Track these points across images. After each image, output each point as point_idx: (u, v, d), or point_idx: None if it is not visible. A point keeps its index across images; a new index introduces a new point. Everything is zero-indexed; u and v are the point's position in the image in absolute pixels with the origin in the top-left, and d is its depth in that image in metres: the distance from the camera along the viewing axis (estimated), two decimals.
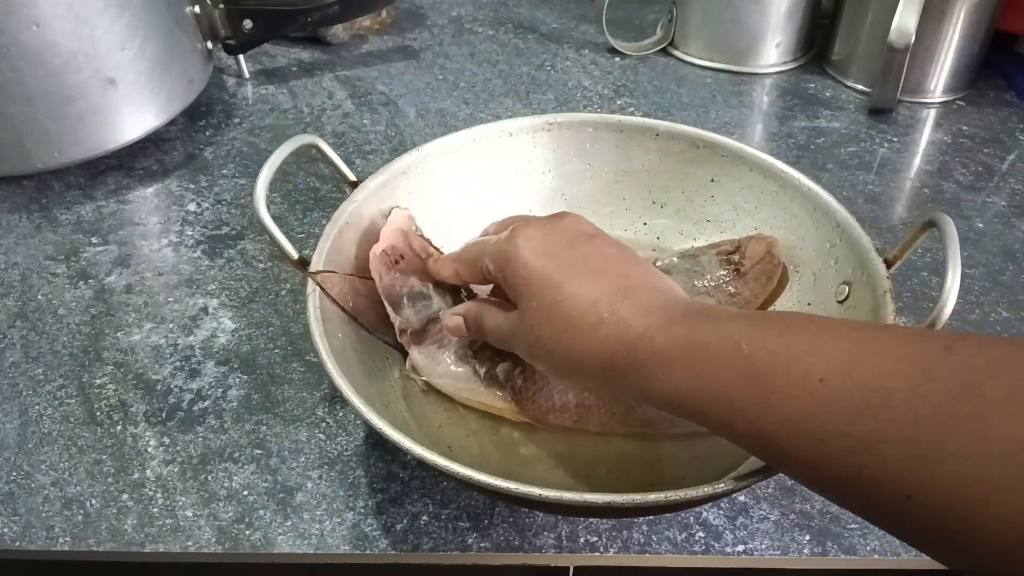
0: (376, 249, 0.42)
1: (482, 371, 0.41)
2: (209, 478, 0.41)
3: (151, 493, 0.40)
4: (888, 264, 0.38)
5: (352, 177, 0.45)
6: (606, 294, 0.31)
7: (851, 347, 0.25)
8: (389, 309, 0.42)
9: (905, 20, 0.63)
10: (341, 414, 0.44)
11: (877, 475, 0.23)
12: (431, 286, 0.43)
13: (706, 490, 0.30)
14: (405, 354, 0.43)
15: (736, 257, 0.45)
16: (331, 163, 0.45)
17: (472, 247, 0.39)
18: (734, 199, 0.48)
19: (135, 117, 0.60)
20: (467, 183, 0.49)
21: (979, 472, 0.21)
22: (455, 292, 0.44)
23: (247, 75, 0.75)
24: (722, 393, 0.27)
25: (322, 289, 0.39)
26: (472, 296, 0.44)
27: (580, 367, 0.32)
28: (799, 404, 0.25)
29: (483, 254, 0.37)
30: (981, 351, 0.23)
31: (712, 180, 0.49)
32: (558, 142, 0.50)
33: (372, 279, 0.42)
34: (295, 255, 0.40)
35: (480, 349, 0.42)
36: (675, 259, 0.46)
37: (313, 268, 0.40)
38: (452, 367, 0.42)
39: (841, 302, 0.40)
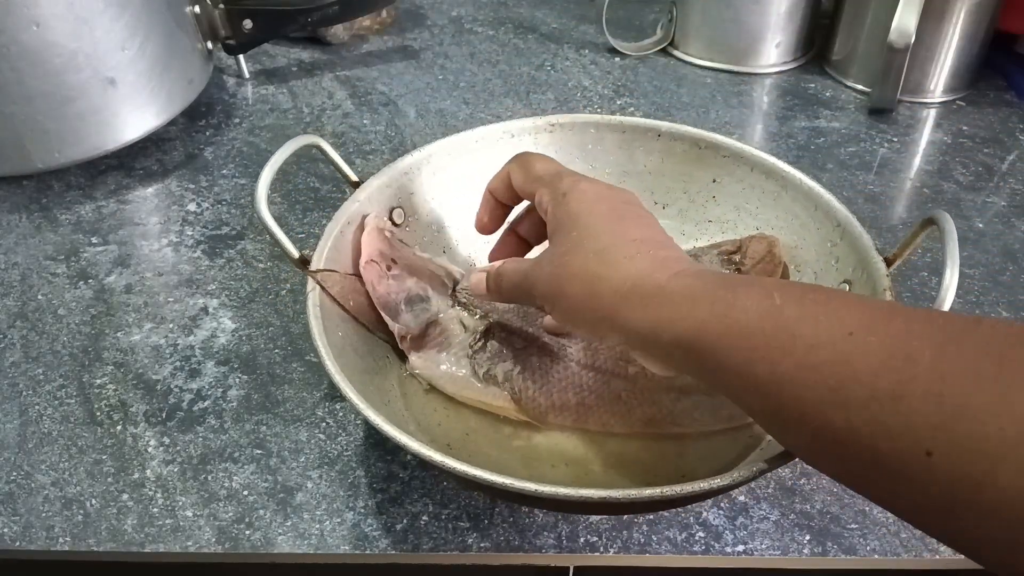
0: (362, 261, 0.42)
1: (481, 372, 0.41)
2: (209, 478, 0.41)
3: (151, 493, 0.40)
4: (888, 263, 0.39)
5: (354, 177, 0.45)
6: (649, 240, 0.33)
7: (880, 310, 0.26)
8: (387, 318, 0.42)
9: (905, 20, 0.63)
10: (341, 414, 0.44)
11: (897, 427, 0.23)
12: (429, 288, 0.43)
13: (702, 486, 0.30)
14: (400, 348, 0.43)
15: (737, 257, 0.45)
16: (333, 163, 0.45)
17: (540, 162, 0.38)
18: (736, 200, 0.48)
19: (135, 117, 0.60)
20: (469, 184, 0.49)
21: (1002, 431, 0.21)
22: (455, 291, 0.44)
23: (247, 75, 0.75)
24: (748, 334, 0.27)
25: (322, 288, 0.39)
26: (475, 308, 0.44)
27: (598, 292, 0.32)
28: (824, 353, 0.25)
29: (541, 181, 0.37)
30: (1007, 325, 0.23)
31: (714, 181, 0.49)
32: (560, 143, 0.50)
33: None
34: (296, 254, 0.40)
35: (479, 350, 0.42)
36: None
37: (314, 267, 0.40)
38: (452, 368, 0.42)
39: None
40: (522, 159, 0.39)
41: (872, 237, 0.40)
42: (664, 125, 0.49)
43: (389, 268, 0.42)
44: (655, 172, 0.50)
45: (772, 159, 0.46)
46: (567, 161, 0.50)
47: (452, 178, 0.48)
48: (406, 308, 0.42)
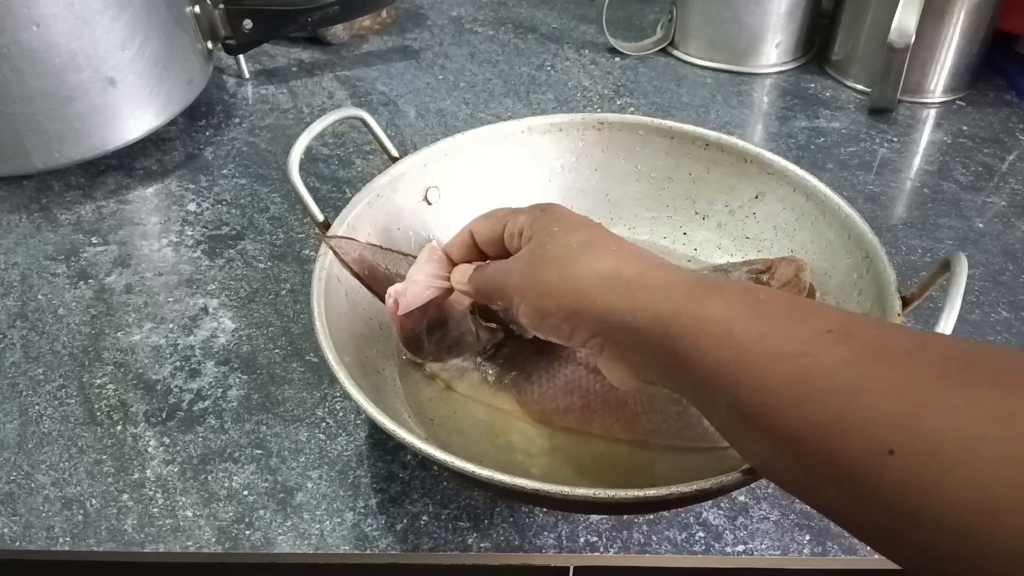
0: (390, 300, 0.40)
1: (492, 378, 0.42)
2: (209, 478, 0.41)
3: (151, 493, 0.40)
4: (905, 303, 0.38)
5: (394, 153, 0.47)
6: (629, 242, 0.34)
7: (859, 319, 0.27)
8: (411, 356, 0.42)
9: (905, 20, 0.63)
10: (341, 414, 0.44)
11: (854, 423, 0.23)
12: (448, 310, 0.43)
13: (690, 487, 0.30)
14: None
15: (765, 277, 0.45)
16: (375, 137, 0.46)
17: (500, 209, 0.38)
18: (776, 219, 0.48)
19: (135, 117, 0.60)
20: (510, 171, 0.49)
21: (963, 431, 0.21)
22: (474, 312, 0.43)
23: (247, 75, 0.75)
24: (724, 319, 0.27)
25: (335, 254, 0.39)
26: (491, 321, 0.43)
27: (580, 275, 0.32)
28: (795, 345, 0.25)
29: (509, 215, 0.37)
30: (979, 342, 0.24)
31: (756, 197, 0.48)
32: (607, 142, 0.50)
33: (392, 251, 0.43)
34: (320, 217, 0.41)
35: (490, 358, 0.42)
36: (705, 272, 0.46)
37: (332, 233, 0.41)
38: (463, 373, 0.42)
39: None
40: (480, 216, 0.39)
41: (895, 274, 0.39)
42: (712, 135, 0.49)
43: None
44: (699, 181, 0.50)
45: (815, 181, 0.45)
46: (612, 161, 0.51)
47: (494, 164, 0.49)
48: (427, 339, 0.42)
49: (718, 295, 0.28)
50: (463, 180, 0.48)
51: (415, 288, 0.39)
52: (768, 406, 0.25)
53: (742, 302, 0.28)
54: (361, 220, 0.43)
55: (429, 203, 0.47)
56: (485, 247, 0.39)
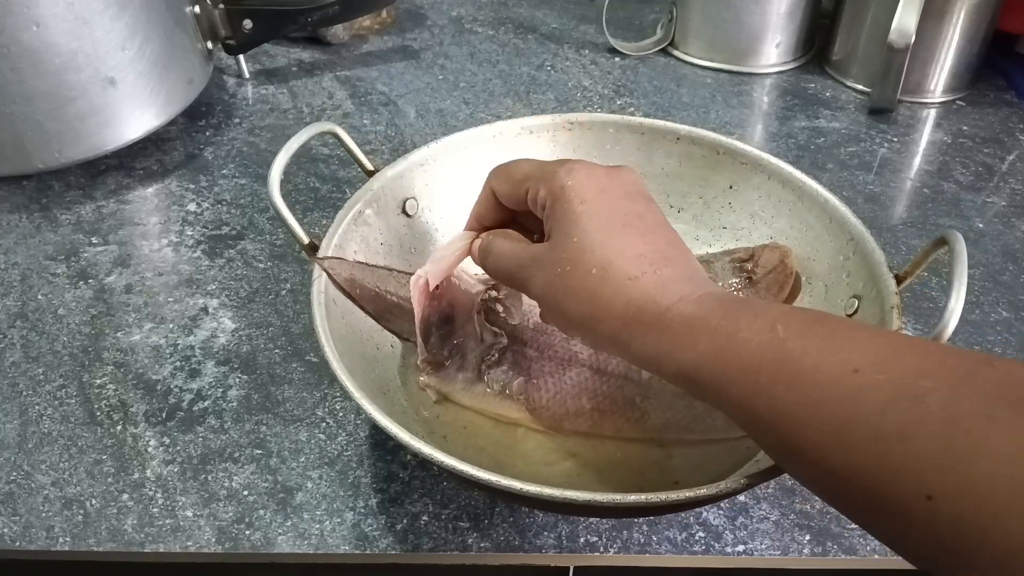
0: (420, 281, 0.40)
1: (496, 386, 0.41)
2: (209, 478, 0.41)
3: (151, 493, 0.40)
4: (899, 280, 0.38)
5: (369, 166, 0.46)
6: (652, 253, 0.31)
7: (890, 345, 0.25)
8: (420, 341, 0.41)
9: (905, 20, 0.63)
10: (341, 414, 0.44)
11: (899, 469, 0.22)
12: (455, 308, 0.43)
13: (702, 492, 0.30)
14: (405, 339, 0.43)
15: (749, 265, 0.45)
16: (349, 151, 0.45)
17: (520, 164, 0.36)
18: (752, 207, 0.48)
19: (135, 117, 0.60)
20: (484, 178, 0.49)
21: (1015, 475, 0.20)
22: (480, 313, 0.43)
23: (247, 75, 0.75)
24: (749, 369, 0.26)
25: (328, 275, 0.39)
26: (495, 325, 0.43)
27: (599, 316, 0.31)
28: (829, 390, 0.24)
29: (531, 178, 0.35)
30: (1021, 367, 0.23)
31: (731, 187, 0.48)
32: (579, 142, 0.50)
33: (379, 267, 0.42)
34: (306, 239, 0.40)
35: (493, 365, 0.42)
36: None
37: (322, 254, 0.40)
38: (467, 385, 0.42)
39: (850, 316, 0.40)
40: (499, 170, 0.37)
41: (883, 253, 0.39)
42: (683, 128, 0.49)
43: (437, 288, 0.41)
44: (672, 175, 0.50)
45: (790, 168, 0.45)
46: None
47: (468, 171, 0.48)
48: (436, 330, 0.41)
49: (740, 336, 0.27)
50: (440, 189, 0.48)
51: (436, 266, 0.39)
52: (808, 451, 0.25)
53: (764, 343, 0.26)
54: (347, 239, 0.42)
55: (408, 215, 0.47)
56: (509, 205, 0.37)
